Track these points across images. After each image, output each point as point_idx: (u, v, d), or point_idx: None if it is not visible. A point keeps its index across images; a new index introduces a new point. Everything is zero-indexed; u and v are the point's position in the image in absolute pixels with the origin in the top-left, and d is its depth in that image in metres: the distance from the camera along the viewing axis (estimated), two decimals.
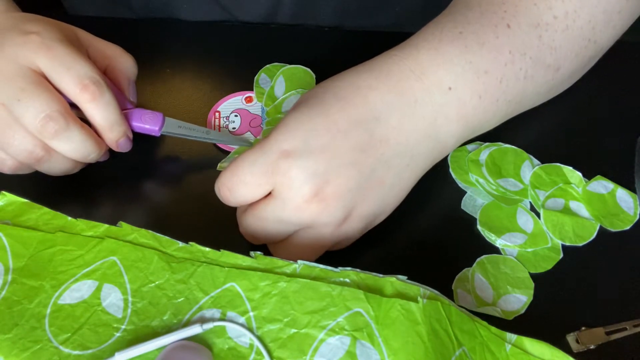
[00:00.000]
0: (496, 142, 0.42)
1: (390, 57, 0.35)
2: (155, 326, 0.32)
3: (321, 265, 0.33)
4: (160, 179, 0.42)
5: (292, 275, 0.33)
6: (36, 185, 0.40)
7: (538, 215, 0.39)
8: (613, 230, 0.39)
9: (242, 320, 0.32)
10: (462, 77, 0.34)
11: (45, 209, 0.36)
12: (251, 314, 0.32)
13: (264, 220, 0.34)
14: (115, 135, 0.38)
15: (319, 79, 0.45)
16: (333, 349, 0.31)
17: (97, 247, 0.34)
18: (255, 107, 0.45)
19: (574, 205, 0.40)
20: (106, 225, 0.35)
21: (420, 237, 0.39)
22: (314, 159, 0.32)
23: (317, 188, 0.32)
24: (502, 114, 0.38)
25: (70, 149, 0.36)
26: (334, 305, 0.32)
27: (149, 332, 0.32)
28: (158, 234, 0.35)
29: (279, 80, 0.45)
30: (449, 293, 0.36)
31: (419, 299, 0.31)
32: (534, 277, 0.37)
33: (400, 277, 0.33)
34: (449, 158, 0.42)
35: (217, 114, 0.44)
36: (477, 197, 0.40)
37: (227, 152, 0.42)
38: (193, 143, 0.42)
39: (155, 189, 0.41)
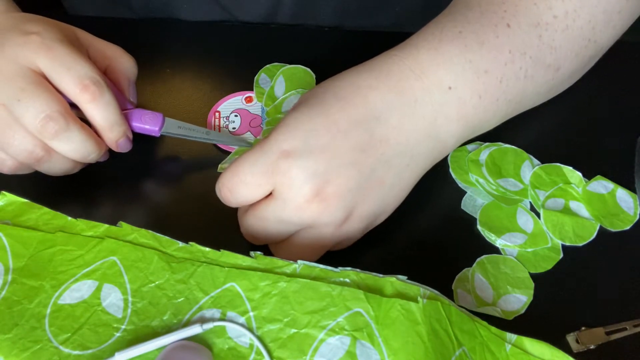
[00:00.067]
0: (496, 142, 0.42)
1: (390, 57, 0.35)
2: (155, 326, 0.32)
3: (321, 265, 0.33)
4: (160, 179, 0.42)
5: (292, 275, 0.33)
6: (36, 185, 0.40)
7: (538, 215, 0.39)
8: (613, 230, 0.39)
9: (242, 320, 0.32)
10: (462, 76, 0.34)
11: (45, 209, 0.36)
12: (251, 314, 0.32)
13: (265, 221, 0.34)
14: (115, 135, 0.38)
15: (319, 79, 0.45)
16: (333, 349, 0.31)
17: (97, 247, 0.34)
18: (255, 107, 0.45)
19: (574, 205, 0.40)
20: (106, 225, 0.35)
21: (420, 237, 0.39)
22: (314, 159, 0.32)
23: (318, 188, 0.32)
24: (502, 113, 0.38)
25: (70, 149, 0.36)
26: (334, 305, 0.32)
27: (149, 332, 0.32)
28: (158, 234, 0.35)
29: (279, 80, 0.45)
30: (449, 293, 0.36)
31: (419, 299, 0.31)
32: (534, 277, 0.37)
33: (400, 277, 0.33)
34: (449, 158, 0.42)
35: (217, 114, 0.44)
36: (477, 197, 0.40)
37: (227, 153, 0.42)
38: (193, 143, 0.42)
39: (155, 189, 0.41)
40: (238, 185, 0.33)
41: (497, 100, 0.36)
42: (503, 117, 0.38)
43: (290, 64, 0.46)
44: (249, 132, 0.43)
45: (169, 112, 0.44)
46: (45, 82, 0.35)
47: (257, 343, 0.31)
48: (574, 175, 0.41)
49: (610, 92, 0.46)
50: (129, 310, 0.32)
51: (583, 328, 0.34)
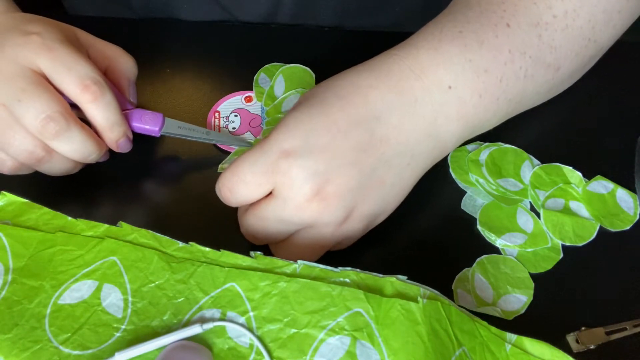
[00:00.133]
0: (496, 142, 0.42)
1: (391, 56, 0.35)
2: (155, 326, 0.32)
3: (321, 265, 0.33)
4: (160, 179, 0.42)
5: (292, 275, 0.33)
6: (36, 185, 0.40)
7: (538, 215, 0.39)
8: (613, 230, 0.39)
9: (242, 320, 0.32)
10: (462, 76, 0.34)
11: (45, 209, 0.36)
12: (251, 314, 0.32)
13: (265, 220, 0.34)
14: (115, 135, 0.38)
15: (319, 79, 0.45)
16: (333, 349, 0.31)
17: (97, 247, 0.34)
18: (255, 107, 0.45)
19: (574, 205, 0.40)
20: (106, 225, 0.35)
21: (420, 237, 0.39)
22: (314, 159, 0.32)
23: (318, 187, 0.32)
24: (502, 113, 0.38)
25: (70, 150, 0.36)
26: (334, 305, 0.32)
27: (149, 332, 0.32)
28: (158, 234, 0.35)
29: (279, 79, 0.45)
30: (449, 293, 0.36)
31: (419, 299, 0.31)
32: (534, 277, 0.37)
33: (400, 277, 0.33)
34: (449, 158, 0.42)
35: (216, 114, 0.44)
36: (477, 197, 0.40)
37: (227, 153, 0.42)
38: (193, 143, 0.42)
39: (155, 189, 0.41)
40: (238, 185, 0.33)
41: (497, 99, 0.36)
42: (503, 117, 0.38)
43: (290, 63, 0.46)
44: (248, 132, 0.44)
45: (169, 112, 0.44)
46: (45, 82, 0.35)
47: (257, 343, 0.31)
48: (574, 175, 0.41)
49: (610, 92, 0.46)
50: (129, 310, 0.32)
51: (583, 328, 0.34)
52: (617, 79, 0.46)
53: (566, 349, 0.34)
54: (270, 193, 0.33)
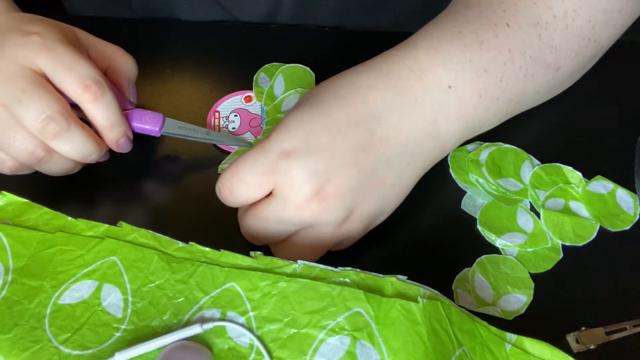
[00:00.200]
0: (496, 142, 0.42)
1: (390, 56, 0.35)
2: (155, 326, 0.32)
3: (321, 265, 0.33)
4: (160, 179, 0.42)
5: (292, 275, 0.33)
6: (36, 185, 0.40)
7: (538, 215, 0.39)
8: (613, 230, 0.39)
9: (242, 320, 0.32)
10: (462, 75, 0.34)
11: (45, 209, 0.36)
12: (251, 314, 0.32)
13: (265, 221, 0.34)
14: (115, 135, 0.38)
15: (319, 79, 0.45)
16: (333, 349, 0.31)
17: (97, 247, 0.34)
18: (255, 107, 0.45)
19: (574, 205, 0.40)
20: (106, 225, 0.35)
21: (420, 237, 0.39)
22: (314, 159, 0.32)
23: (318, 187, 0.32)
24: (502, 113, 0.38)
25: (71, 150, 0.36)
26: (334, 305, 0.32)
27: (149, 332, 0.32)
28: (158, 234, 0.35)
29: (278, 79, 0.45)
30: (449, 293, 0.36)
31: (419, 299, 0.31)
32: (534, 277, 0.37)
33: (400, 277, 0.33)
34: (449, 158, 0.42)
35: (216, 114, 0.44)
36: (477, 197, 0.40)
37: (227, 153, 0.42)
38: (193, 143, 0.42)
39: (155, 189, 0.41)
40: (238, 185, 0.33)
41: (497, 99, 0.36)
42: (503, 117, 0.38)
43: (290, 63, 0.46)
44: (248, 132, 0.44)
45: (169, 112, 0.44)
46: (46, 82, 0.35)
47: (257, 343, 0.31)
48: (574, 175, 0.41)
49: (610, 92, 0.46)
50: (129, 310, 0.32)
51: (583, 328, 0.34)
52: (617, 79, 0.46)
53: (566, 349, 0.34)
54: (271, 193, 0.33)
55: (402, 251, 0.38)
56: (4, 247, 0.34)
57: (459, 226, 0.39)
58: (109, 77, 0.39)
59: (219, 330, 0.31)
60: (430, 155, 0.36)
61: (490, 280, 0.37)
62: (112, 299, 0.33)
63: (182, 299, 0.32)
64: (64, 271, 0.33)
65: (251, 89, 0.46)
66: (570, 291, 0.37)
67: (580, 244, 0.38)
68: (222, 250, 0.34)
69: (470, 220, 0.39)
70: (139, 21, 0.52)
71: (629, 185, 0.40)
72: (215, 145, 0.43)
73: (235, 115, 0.44)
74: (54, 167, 0.37)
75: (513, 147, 0.42)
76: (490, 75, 0.35)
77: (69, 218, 0.36)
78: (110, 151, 0.40)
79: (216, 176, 0.41)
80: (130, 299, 0.33)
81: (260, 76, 0.46)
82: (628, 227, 0.39)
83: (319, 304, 0.32)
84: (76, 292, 0.33)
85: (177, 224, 0.39)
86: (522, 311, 0.36)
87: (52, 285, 0.33)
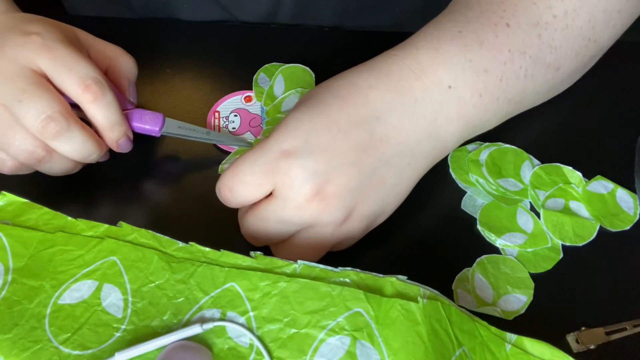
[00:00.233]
0: (496, 142, 0.42)
1: (391, 56, 0.35)
2: (155, 326, 0.32)
3: (321, 265, 0.33)
4: (160, 179, 0.42)
5: (292, 275, 0.33)
6: (36, 185, 0.40)
7: (538, 215, 0.39)
8: (613, 230, 0.39)
9: (242, 320, 0.32)
10: (462, 75, 0.34)
11: (45, 209, 0.36)
12: (251, 314, 0.32)
13: (265, 221, 0.34)
14: (115, 135, 0.38)
15: (319, 79, 0.45)
16: (333, 349, 0.31)
17: (97, 247, 0.34)
18: (255, 107, 0.45)
19: (574, 205, 0.40)
20: (106, 225, 0.35)
21: (420, 237, 0.39)
22: (314, 159, 0.32)
23: (318, 187, 0.32)
24: (502, 113, 0.38)
25: (71, 150, 0.36)
26: (334, 305, 0.32)
27: (149, 332, 0.32)
28: (158, 234, 0.35)
29: (278, 79, 0.45)
30: (449, 293, 0.36)
31: (419, 299, 0.31)
32: (534, 277, 0.37)
33: (400, 277, 0.33)
34: (449, 158, 0.42)
35: (216, 113, 0.44)
36: (477, 197, 0.40)
37: (227, 153, 0.42)
38: (193, 143, 0.42)
39: (155, 189, 0.41)
40: (238, 185, 0.33)
41: (497, 99, 0.36)
42: (503, 117, 0.38)
43: (290, 63, 0.46)
44: (248, 132, 0.44)
45: (169, 112, 0.44)
46: (46, 82, 0.35)
47: (257, 343, 0.31)
48: (574, 175, 0.41)
49: (610, 92, 0.46)
50: (129, 310, 0.32)
51: (583, 328, 0.34)
52: (617, 79, 0.46)
53: (566, 349, 0.34)
54: (271, 194, 0.33)
55: (402, 251, 0.38)
56: (4, 247, 0.34)
57: (459, 226, 0.39)
58: (109, 77, 0.39)
59: (219, 330, 0.31)
60: (431, 155, 0.36)
61: (490, 280, 0.37)
62: (112, 299, 0.33)
63: (182, 299, 0.32)
64: (64, 271, 0.33)
65: (251, 89, 0.46)
66: (570, 291, 0.37)
67: (580, 244, 0.38)
68: (222, 250, 0.34)
69: (470, 220, 0.39)
70: (139, 21, 0.52)
71: (629, 185, 0.40)
72: (215, 145, 0.43)
73: (235, 115, 0.44)
74: (54, 167, 0.37)
75: (513, 147, 0.42)
76: (490, 75, 0.35)
77: (69, 218, 0.36)
78: (110, 151, 0.40)
79: (216, 176, 0.41)
80: (130, 299, 0.33)
81: (260, 76, 0.46)
82: (628, 227, 0.39)
83: (319, 304, 0.32)
84: (76, 292, 0.33)
85: (177, 224, 0.39)
86: (522, 311, 0.36)
87: (52, 285, 0.33)
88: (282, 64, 0.46)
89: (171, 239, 0.35)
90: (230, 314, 0.32)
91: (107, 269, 0.33)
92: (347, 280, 0.33)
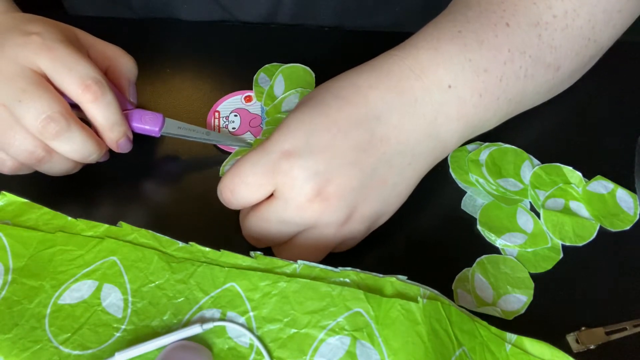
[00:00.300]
0: (496, 142, 0.42)
1: (391, 56, 0.35)
2: (155, 326, 0.32)
3: (321, 265, 0.33)
4: (160, 179, 0.42)
5: (292, 275, 0.33)
6: (36, 185, 0.40)
7: (538, 215, 0.39)
8: (613, 230, 0.39)
9: (242, 320, 0.32)
10: (461, 75, 0.34)
11: (45, 209, 0.36)
12: (251, 314, 0.32)
13: (267, 222, 0.34)
14: (115, 135, 0.38)
15: (319, 79, 0.45)
16: (333, 349, 0.31)
17: (97, 247, 0.34)
18: (255, 107, 0.45)
19: (574, 205, 0.40)
20: (106, 225, 0.35)
21: (420, 237, 0.39)
22: (315, 159, 0.32)
23: (319, 187, 0.32)
24: (502, 112, 0.38)
25: (71, 150, 0.36)
26: (334, 305, 0.32)
27: (149, 332, 0.32)
28: (158, 234, 0.35)
29: (279, 79, 0.45)
30: (449, 293, 0.36)
31: (419, 299, 0.31)
32: (534, 277, 0.37)
33: (400, 277, 0.33)
34: (449, 158, 0.42)
35: (216, 113, 0.44)
36: (477, 197, 0.40)
37: (227, 153, 0.42)
38: (193, 143, 0.42)
39: (155, 189, 0.41)
40: (239, 186, 0.33)
41: (497, 99, 0.36)
42: (503, 117, 0.38)
43: (289, 63, 0.46)
44: (248, 132, 0.44)
45: (169, 112, 0.44)
46: (46, 82, 0.35)
47: (257, 343, 0.31)
48: (574, 175, 0.41)
49: (610, 92, 0.46)
50: (129, 310, 0.32)
51: (583, 328, 0.34)
52: (617, 79, 0.46)
53: (566, 349, 0.34)
54: (272, 195, 0.33)
55: (402, 251, 0.38)
56: (4, 247, 0.34)
57: (459, 226, 0.39)
58: (109, 78, 0.39)
59: (219, 330, 0.31)
60: (431, 155, 0.36)
61: (490, 280, 0.37)
62: (112, 299, 0.33)
63: (182, 299, 0.32)
64: (64, 271, 0.33)
65: (251, 89, 0.46)
66: (570, 291, 0.37)
67: (580, 244, 0.38)
68: (222, 250, 0.34)
69: (470, 220, 0.39)
70: (139, 21, 0.52)
71: (629, 185, 0.40)
72: (215, 146, 0.43)
73: (235, 115, 0.44)
74: (54, 167, 0.37)
75: (513, 147, 0.42)
76: (490, 74, 0.35)
77: (69, 218, 0.36)
78: (110, 151, 0.40)
79: (216, 176, 0.41)
80: (130, 299, 0.33)
81: (261, 76, 0.46)
82: (628, 227, 0.39)
83: (319, 304, 0.32)
84: (76, 292, 0.33)
85: (177, 224, 0.39)
86: (522, 311, 0.36)
87: (52, 285, 0.33)
88: (282, 64, 0.46)
89: (171, 239, 0.35)
90: (230, 314, 0.32)
91: (107, 269, 0.33)
92: (347, 280, 0.33)
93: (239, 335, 0.31)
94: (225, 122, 0.44)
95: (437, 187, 0.41)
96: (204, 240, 0.34)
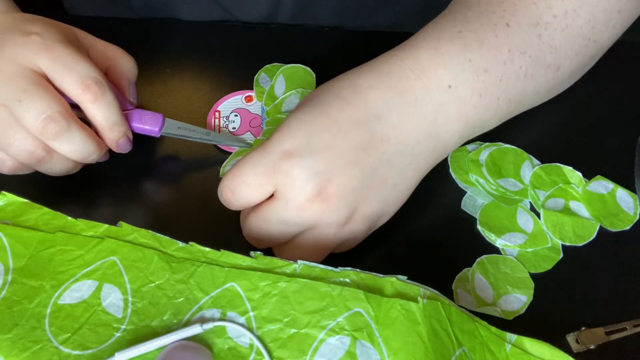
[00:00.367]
0: (496, 142, 0.42)
1: (391, 57, 0.35)
2: (155, 326, 0.32)
3: (321, 265, 0.33)
4: (160, 179, 0.42)
5: (292, 275, 0.33)
6: (36, 185, 0.40)
7: (538, 215, 0.39)
8: (613, 230, 0.39)
9: (242, 320, 0.32)
10: (461, 75, 0.34)
11: (45, 209, 0.36)
12: (251, 314, 0.32)
13: (267, 222, 0.34)
14: (115, 135, 0.38)
15: (319, 79, 0.45)
16: (333, 349, 0.31)
17: (97, 247, 0.34)
18: (255, 107, 0.45)
19: (574, 205, 0.40)
20: (106, 225, 0.35)
21: (420, 237, 0.39)
22: (315, 159, 0.32)
23: (320, 187, 0.32)
24: (502, 113, 0.38)
25: (71, 150, 0.36)
26: (334, 305, 0.32)
27: (149, 332, 0.32)
28: (158, 234, 0.35)
29: (279, 79, 0.45)
30: (449, 293, 0.36)
31: (419, 299, 0.31)
32: (534, 277, 0.37)
33: (400, 277, 0.33)
34: (449, 158, 0.42)
35: (217, 113, 0.44)
36: (477, 197, 0.40)
37: (227, 153, 0.42)
38: (193, 143, 0.42)
39: (155, 189, 0.41)
40: (240, 187, 0.33)
41: (497, 99, 0.36)
42: (504, 117, 0.38)
43: (290, 63, 0.46)
44: (248, 132, 0.44)
45: (169, 112, 0.44)
46: (46, 82, 0.35)
47: (257, 343, 0.31)
48: (574, 175, 0.41)
49: (610, 92, 0.46)
50: (129, 310, 0.32)
51: (583, 328, 0.34)
52: (617, 79, 0.46)
53: (566, 349, 0.34)
54: (272, 195, 0.33)
55: (402, 251, 0.38)
56: (4, 247, 0.34)
57: (459, 226, 0.39)
58: (109, 78, 0.39)
59: (219, 330, 0.31)
60: (432, 155, 0.36)
61: (490, 280, 0.37)
62: (112, 299, 0.33)
63: (182, 299, 0.32)
64: (64, 271, 0.33)
65: (251, 89, 0.46)
66: (570, 291, 0.37)
67: (580, 244, 0.38)
68: (222, 250, 0.34)
69: (470, 220, 0.39)
70: (139, 21, 0.52)
71: (629, 185, 0.40)
72: (215, 146, 0.43)
73: (236, 115, 0.44)
74: (54, 167, 0.37)
75: (513, 147, 0.42)
76: (490, 74, 0.35)
77: (69, 218, 0.36)
78: (110, 151, 0.40)
79: (216, 176, 0.41)
80: (130, 299, 0.33)
81: (261, 76, 0.46)
82: (628, 227, 0.39)
83: (319, 304, 0.32)
84: (76, 292, 0.33)
85: (177, 224, 0.39)
86: (522, 311, 0.36)
87: (52, 285, 0.33)
88: (282, 64, 0.46)
89: (171, 239, 0.35)
90: (230, 314, 0.32)
91: (107, 269, 0.33)
92: (347, 280, 0.33)
93: (239, 335, 0.31)
94: (225, 122, 0.44)
95: (437, 187, 0.41)
96: (204, 240, 0.34)
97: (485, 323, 0.32)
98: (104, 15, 0.53)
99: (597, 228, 0.39)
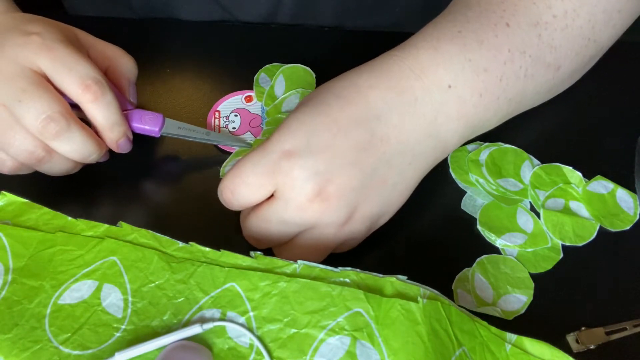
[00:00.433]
0: (496, 142, 0.42)
1: (391, 57, 0.35)
2: (155, 326, 0.32)
3: (321, 265, 0.33)
4: (160, 179, 0.42)
5: (292, 275, 0.33)
6: (36, 185, 0.40)
7: (538, 215, 0.39)
8: (613, 230, 0.39)
9: (242, 320, 0.32)
10: (461, 75, 0.34)
11: (45, 209, 0.36)
12: (251, 314, 0.32)
13: (267, 222, 0.34)
14: (115, 135, 0.38)
15: (319, 79, 0.45)
16: (333, 349, 0.31)
17: (97, 247, 0.34)
18: (255, 107, 0.45)
19: (574, 205, 0.40)
20: (106, 225, 0.35)
21: (420, 237, 0.39)
22: (315, 158, 0.32)
23: (320, 187, 0.32)
24: (502, 112, 0.38)
25: (71, 150, 0.36)
26: (334, 305, 0.32)
27: (149, 332, 0.32)
28: (158, 234, 0.35)
29: (279, 79, 0.45)
30: (449, 293, 0.36)
31: (419, 299, 0.31)
32: (534, 277, 0.37)
33: (400, 277, 0.33)
34: (449, 158, 0.42)
35: (217, 113, 0.44)
36: (477, 197, 0.40)
37: (227, 153, 0.42)
38: (193, 143, 0.42)
39: (155, 189, 0.41)
40: (240, 187, 0.33)
41: (497, 99, 0.36)
42: (504, 117, 0.38)
43: (290, 63, 0.46)
44: (248, 132, 0.44)
45: (169, 112, 0.44)
46: (46, 82, 0.35)
47: (257, 343, 0.31)
48: (574, 175, 0.41)
49: (610, 92, 0.46)
50: (129, 310, 0.32)
51: (583, 328, 0.34)
52: (617, 79, 0.46)
53: (566, 349, 0.34)
54: (272, 195, 0.33)
55: (402, 251, 0.38)
56: (4, 247, 0.34)
57: (459, 226, 0.39)
58: (109, 78, 0.39)
59: (219, 330, 0.31)
60: (432, 155, 0.36)
61: (490, 280, 0.37)
62: (112, 299, 0.33)
63: (182, 299, 0.32)
64: (64, 271, 0.33)
65: (251, 89, 0.46)
66: (570, 291, 0.37)
67: (580, 244, 0.38)
68: (222, 250, 0.34)
69: (470, 220, 0.39)
70: (139, 21, 0.52)
71: (629, 185, 0.40)
72: (215, 146, 0.43)
73: (236, 115, 0.44)
74: (54, 167, 0.37)
75: (513, 147, 0.42)
76: (490, 74, 0.35)
77: (69, 218, 0.36)
78: (110, 151, 0.40)
79: (216, 176, 0.41)
80: (130, 299, 0.33)
81: (261, 76, 0.46)
82: (628, 227, 0.39)
83: (319, 304, 0.32)
84: (76, 292, 0.33)
85: (177, 224, 0.39)
86: (522, 311, 0.36)
87: (52, 285, 0.33)
88: (282, 64, 0.46)
89: (171, 239, 0.35)
90: (230, 314, 0.32)
91: (107, 269, 0.33)
92: (347, 280, 0.33)
93: (239, 335, 0.31)
94: (225, 122, 0.44)
95: (437, 187, 0.41)
96: (204, 240, 0.34)
97: (485, 323, 0.32)
98: (104, 15, 0.53)
99: (597, 228, 0.39)
